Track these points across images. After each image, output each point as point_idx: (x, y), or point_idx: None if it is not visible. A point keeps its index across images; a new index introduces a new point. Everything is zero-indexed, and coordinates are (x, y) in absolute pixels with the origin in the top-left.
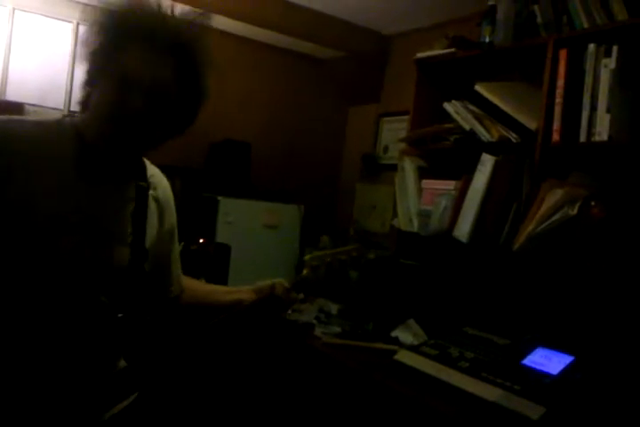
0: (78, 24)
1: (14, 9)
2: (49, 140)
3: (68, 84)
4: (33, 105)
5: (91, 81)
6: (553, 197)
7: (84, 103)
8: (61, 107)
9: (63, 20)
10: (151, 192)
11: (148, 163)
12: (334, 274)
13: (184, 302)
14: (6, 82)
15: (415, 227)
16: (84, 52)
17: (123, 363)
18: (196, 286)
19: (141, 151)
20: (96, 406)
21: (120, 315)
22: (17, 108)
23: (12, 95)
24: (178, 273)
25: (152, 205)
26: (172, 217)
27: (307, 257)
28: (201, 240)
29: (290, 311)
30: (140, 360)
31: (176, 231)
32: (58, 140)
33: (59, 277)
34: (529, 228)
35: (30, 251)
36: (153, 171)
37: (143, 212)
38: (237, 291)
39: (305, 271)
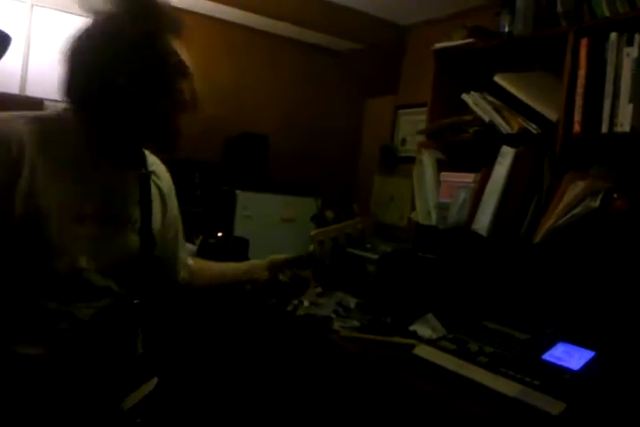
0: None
1: (33, 5)
2: (52, 133)
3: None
4: (52, 100)
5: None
6: (574, 189)
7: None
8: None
9: (82, 15)
10: (153, 179)
11: (147, 153)
12: (340, 249)
13: (197, 286)
14: (26, 78)
15: (433, 220)
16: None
17: (140, 349)
18: (210, 267)
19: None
20: (115, 391)
21: (136, 301)
22: (37, 103)
23: (32, 91)
24: (185, 260)
25: (155, 193)
26: (174, 205)
27: (312, 233)
28: (219, 234)
29: (307, 304)
30: (158, 345)
31: (179, 220)
32: (61, 133)
33: (70, 266)
34: (550, 221)
35: (44, 240)
36: (153, 160)
37: (148, 198)
38: (250, 269)
39: (311, 247)
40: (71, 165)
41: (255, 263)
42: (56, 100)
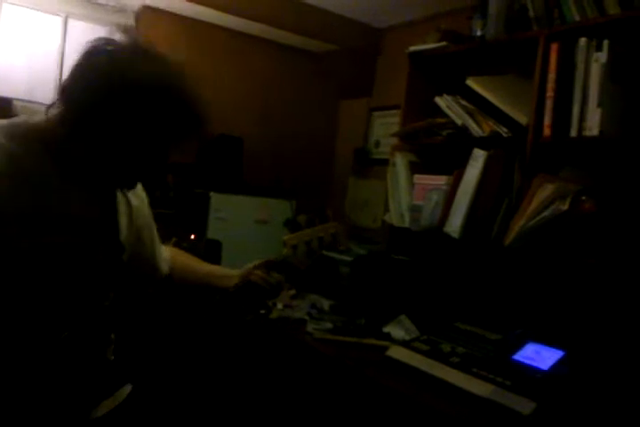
0: (67, 17)
1: (2, 2)
2: (14, 146)
3: (57, 78)
4: (21, 100)
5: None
6: (544, 192)
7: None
8: (49, 102)
9: (52, 14)
10: None
11: None
12: (314, 253)
13: (177, 280)
14: None
15: (407, 222)
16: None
17: (111, 356)
18: (193, 267)
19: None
20: (86, 399)
21: (107, 303)
22: (5, 103)
23: (1, 90)
24: (162, 256)
25: (119, 197)
26: (143, 204)
27: (285, 237)
28: (192, 236)
29: (280, 306)
30: (130, 353)
31: (151, 215)
32: (23, 147)
33: (44, 275)
34: (520, 223)
35: (12, 253)
36: None
37: (113, 205)
38: (226, 276)
39: (284, 251)
40: (36, 177)
41: (231, 272)
42: (25, 100)
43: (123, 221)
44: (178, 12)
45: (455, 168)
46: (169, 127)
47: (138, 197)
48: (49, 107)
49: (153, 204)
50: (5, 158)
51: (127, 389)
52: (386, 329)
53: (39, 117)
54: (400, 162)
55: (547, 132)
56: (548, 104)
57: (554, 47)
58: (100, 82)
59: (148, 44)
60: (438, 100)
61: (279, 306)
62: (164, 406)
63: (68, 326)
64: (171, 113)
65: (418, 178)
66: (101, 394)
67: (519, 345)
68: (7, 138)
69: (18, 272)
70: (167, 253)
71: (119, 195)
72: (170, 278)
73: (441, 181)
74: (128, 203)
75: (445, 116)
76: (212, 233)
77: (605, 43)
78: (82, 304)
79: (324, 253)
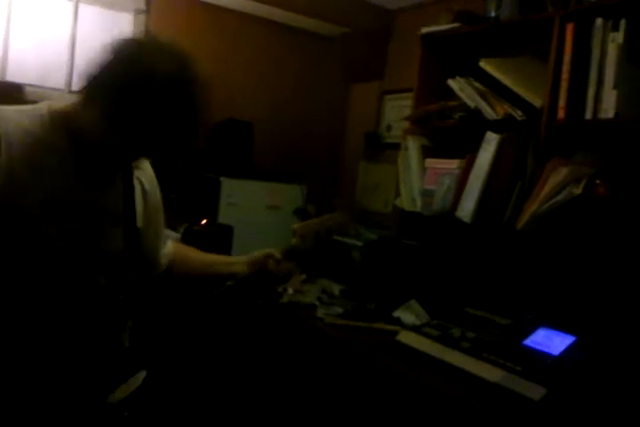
0: (78, 2)
1: None
2: (38, 131)
3: (69, 64)
4: (33, 86)
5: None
6: (557, 175)
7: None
8: (62, 87)
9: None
10: (136, 172)
11: None
12: (322, 242)
13: (177, 273)
14: (6, 62)
15: (418, 207)
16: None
17: (126, 343)
18: (192, 257)
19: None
20: (102, 385)
21: (121, 296)
22: (17, 89)
23: (12, 76)
24: (164, 251)
25: (137, 187)
26: (156, 195)
27: (295, 226)
28: (203, 221)
29: (291, 291)
30: (145, 340)
31: (162, 213)
32: (48, 133)
33: (56, 263)
34: (533, 207)
35: (25, 239)
36: None
37: (131, 192)
38: (233, 263)
39: (294, 240)
40: (51, 162)
41: (236, 258)
42: (37, 86)
43: (139, 208)
44: None
45: (467, 152)
46: (180, 115)
47: (153, 190)
48: (74, 93)
49: (164, 189)
50: (30, 143)
51: (142, 375)
52: (396, 314)
53: (62, 103)
54: (412, 146)
55: (561, 114)
56: (563, 86)
57: (569, 28)
58: (122, 73)
59: (165, 37)
60: (451, 82)
61: (290, 291)
62: (179, 391)
63: (86, 312)
64: (183, 102)
65: (429, 162)
66: (117, 380)
67: (530, 330)
68: (32, 123)
69: (38, 258)
70: (170, 249)
71: (136, 183)
72: (169, 273)
73: (453, 165)
74: (143, 191)
75: (458, 98)
76: (223, 218)
77: (622, 22)
78: (101, 290)
79: (335, 237)
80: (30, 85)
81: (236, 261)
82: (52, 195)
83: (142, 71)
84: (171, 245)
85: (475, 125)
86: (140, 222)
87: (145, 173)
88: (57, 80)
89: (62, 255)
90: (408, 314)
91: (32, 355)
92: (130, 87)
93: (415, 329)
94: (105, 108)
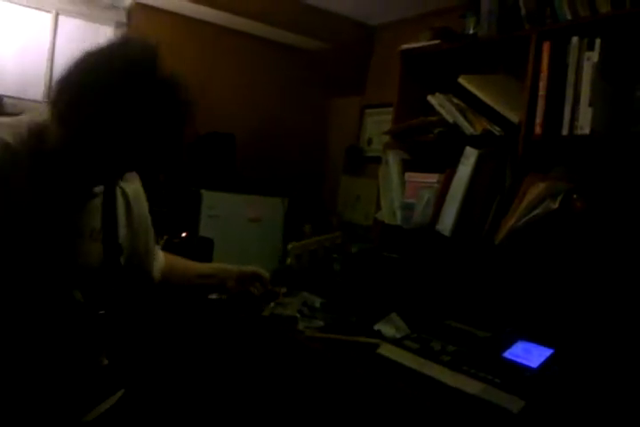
0: (57, 14)
1: None
2: (13, 144)
3: (48, 76)
4: (11, 97)
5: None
6: (535, 190)
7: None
8: (40, 99)
9: (42, 10)
10: (120, 183)
11: None
12: (319, 262)
13: (169, 283)
14: None
15: (398, 220)
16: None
17: (105, 360)
18: (182, 267)
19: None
20: (79, 405)
21: (102, 312)
22: None
23: None
24: (156, 264)
25: (119, 198)
26: (142, 208)
27: (290, 246)
28: (184, 234)
29: (272, 304)
30: (124, 357)
31: (150, 222)
32: (20, 146)
33: (30, 279)
34: (511, 221)
35: (11, 259)
36: None
37: (112, 206)
38: (223, 277)
39: (288, 260)
40: (24, 179)
41: (225, 269)
42: (16, 98)
43: (122, 223)
44: (170, 10)
45: (447, 166)
46: (160, 124)
47: (139, 202)
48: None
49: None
50: (9, 160)
51: (119, 393)
52: (377, 327)
53: (43, 116)
54: (392, 160)
55: (538, 130)
56: (540, 103)
57: (546, 46)
58: (94, 81)
59: (144, 43)
60: (430, 98)
61: (271, 304)
62: (155, 406)
63: (62, 328)
64: (161, 110)
65: (410, 176)
66: (95, 400)
67: (509, 343)
68: (9, 136)
69: (11, 278)
70: (161, 261)
71: (119, 196)
72: (164, 285)
73: (433, 179)
74: (127, 203)
75: (438, 114)
76: (203, 231)
77: (597, 41)
78: (77, 305)
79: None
80: (9, 97)
81: (227, 275)
82: (17, 212)
83: (110, 76)
84: (162, 256)
85: (454, 141)
86: (123, 236)
87: (129, 186)
88: (36, 92)
89: (32, 271)
90: (389, 327)
91: (4, 373)
92: (106, 97)
93: (396, 342)
94: (75, 125)
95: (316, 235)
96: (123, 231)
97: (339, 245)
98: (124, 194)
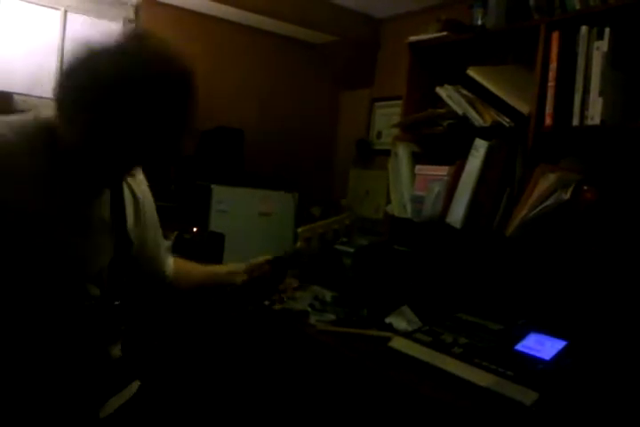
0: (66, 11)
1: None
2: (20, 142)
3: (57, 73)
4: (21, 94)
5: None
6: (545, 181)
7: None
8: (50, 96)
9: (50, 8)
10: (127, 180)
11: None
12: (328, 245)
13: (183, 288)
14: None
15: (409, 213)
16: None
17: (118, 352)
18: (193, 270)
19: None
20: (93, 396)
21: (117, 302)
22: (5, 97)
23: (0, 85)
24: (167, 258)
25: (127, 193)
26: (149, 204)
27: (299, 229)
28: (194, 229)
29: (285, 298)
30: (139, 348)
31: (157, 219)
32: (25, 143)
33: (45, 273)
34: (522, 213)
35: (11, 250)
36: None
37: (120, 201)
38: (232, 273)
39: (298, 244)
40: (37, 174)
41: (235, 267)
42: (25, 95)
43: (130, 216)
44: (178, 5)
45: (457, 158)
46: (165, 120)
47: (145, 196)
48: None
49: (154, 197)
50: (5, 155)
51: (135, 385)
52: (388, 320)
53: (48, 113)
54: (402, 152)
55: (548, 121)
56: (550, 93)
57: (555, 36)
58: (95, 77)
59: (150, 40)
60: (439, 90)
61: (284, 298)
62: (171, 401)
63: (76, 322)
64: (174, 106)
65: (419, 169)
66: (108, 392)
67: (522, 335)
68: (16, 134)
69: (22, 271)
70: (171, 262)
71: (126, 190)
72: (174, 287)
73: (443, 171)
74: (134, 198)
75: (447, 106)
76: (214, 226)
77: (606, 30)
78: (93, 299)
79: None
80: (19, 94)
81: (236, 271)
82: (27, 209)
83: (126, 75)
84: (171, 259)
85: (463, 132)
86: (131, 229)
87: (136, 180)
88: (45, 89)
89: (44, 267)
90: (400, 320)
91: (20, 366)
92: (112, 91)
93: (407, 335)
94: (87, 124)
95: (324, 216)
96: (131, 224)
97: (348, 227)
98: (131, 189)
